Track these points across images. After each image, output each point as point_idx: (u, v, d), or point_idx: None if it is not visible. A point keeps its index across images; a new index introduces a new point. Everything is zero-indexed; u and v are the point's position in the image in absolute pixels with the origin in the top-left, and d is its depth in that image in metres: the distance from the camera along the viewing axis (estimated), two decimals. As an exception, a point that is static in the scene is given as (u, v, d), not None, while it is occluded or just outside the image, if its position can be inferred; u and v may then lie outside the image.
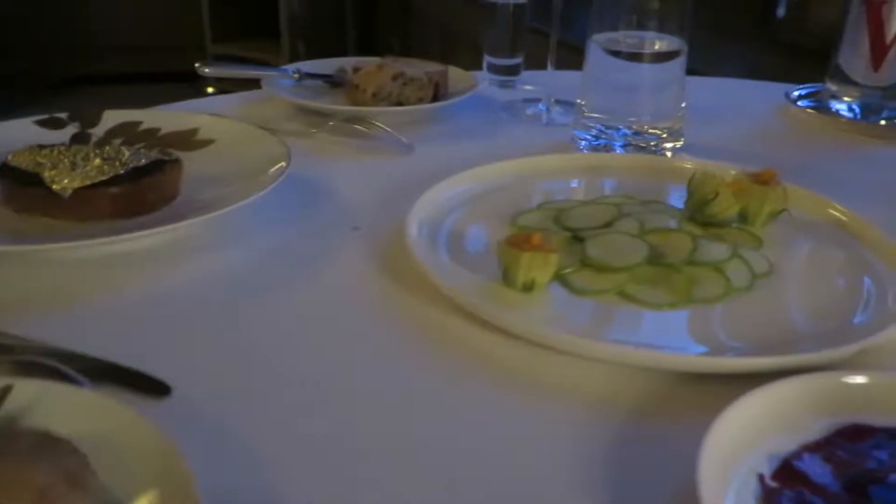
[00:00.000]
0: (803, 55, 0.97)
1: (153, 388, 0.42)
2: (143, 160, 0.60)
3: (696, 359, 0.46)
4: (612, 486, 0.37)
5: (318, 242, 0.59)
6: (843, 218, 0.61)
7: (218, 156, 0.68)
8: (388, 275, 0.55)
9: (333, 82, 0.91)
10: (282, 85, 0.89)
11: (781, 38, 1.56)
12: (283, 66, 0.92)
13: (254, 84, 0.89)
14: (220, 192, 0.61)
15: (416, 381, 0.44)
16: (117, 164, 0.59)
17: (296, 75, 0.90)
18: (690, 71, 0.76)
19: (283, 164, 0.63)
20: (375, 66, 0.84)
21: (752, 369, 0.43)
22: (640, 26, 0.72)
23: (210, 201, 0.59)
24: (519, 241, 0.51)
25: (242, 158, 0.66)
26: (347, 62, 0.91)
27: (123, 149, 0.62)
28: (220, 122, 0.72)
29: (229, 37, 3.54)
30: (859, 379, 0.40)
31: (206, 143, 0.70)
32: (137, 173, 0.59)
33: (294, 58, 3.08)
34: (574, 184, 0.70)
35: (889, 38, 0.85)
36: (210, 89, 2.99)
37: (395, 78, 0.83)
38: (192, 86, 2.18)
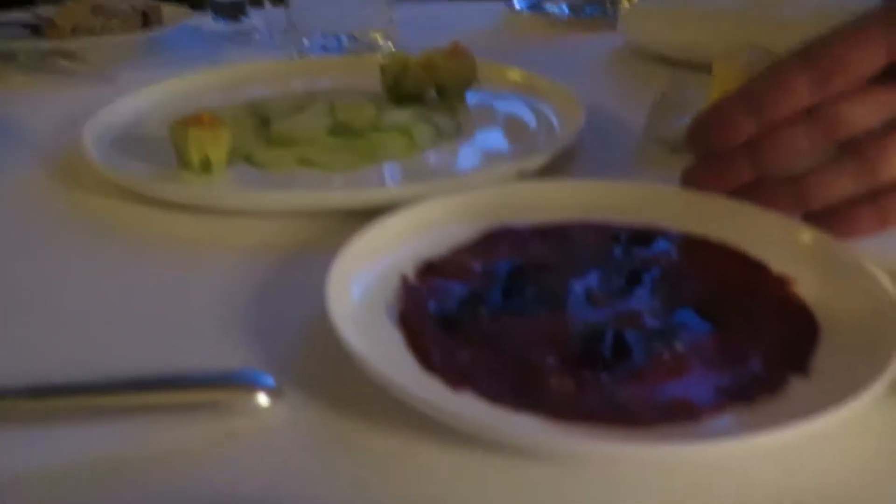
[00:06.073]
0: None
1: None
2: None
3: (350, 194, 0.46)
4: (252, 322, 0.37)
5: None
6: (524, 80, 0.64)
7: None
8: (64, 181, 0.52)
9: (32, 27, 0.84)
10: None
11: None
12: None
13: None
14: None
15: (90, 263, 0.43)
16: None
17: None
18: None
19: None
20: (73, 2, 0.79)
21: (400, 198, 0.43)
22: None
23: None
24: (188, 121, 0.50)
25: None
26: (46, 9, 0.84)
27: None
28: None
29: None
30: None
31: None
32: None
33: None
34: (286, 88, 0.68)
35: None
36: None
37: (94, 11, 0.78)
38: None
